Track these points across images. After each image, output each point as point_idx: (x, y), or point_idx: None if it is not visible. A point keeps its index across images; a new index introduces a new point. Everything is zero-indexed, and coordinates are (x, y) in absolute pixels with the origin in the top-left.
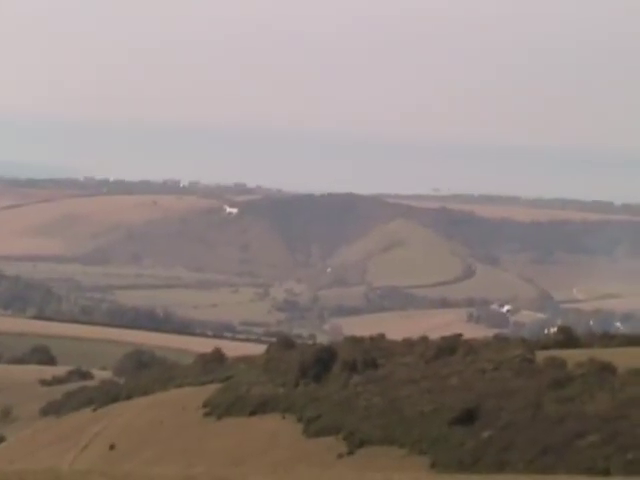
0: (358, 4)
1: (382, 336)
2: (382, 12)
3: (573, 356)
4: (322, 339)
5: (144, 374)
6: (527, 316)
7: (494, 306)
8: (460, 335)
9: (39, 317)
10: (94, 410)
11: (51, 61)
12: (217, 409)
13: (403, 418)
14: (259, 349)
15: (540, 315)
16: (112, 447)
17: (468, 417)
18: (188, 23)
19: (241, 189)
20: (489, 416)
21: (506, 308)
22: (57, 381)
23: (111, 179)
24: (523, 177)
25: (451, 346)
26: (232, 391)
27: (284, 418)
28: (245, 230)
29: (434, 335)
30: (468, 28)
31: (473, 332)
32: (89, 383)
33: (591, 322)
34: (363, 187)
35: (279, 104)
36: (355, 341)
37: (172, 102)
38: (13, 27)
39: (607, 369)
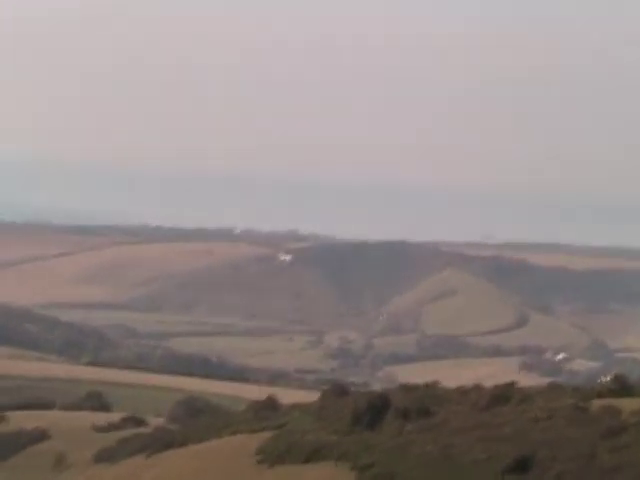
0: None
1: (435, 384)
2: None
3: (628, 405)
4: (376, 387)
5: (198, 421)
6: (581, 364)
7: (547, 355)
8: (513, 383)
9: (93, 363)
10: (147, 457)
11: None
12: (270, 456)
13: (456, 466)
14: (312, 397)
15: (594, 364)
16: None
17: (522, 466)
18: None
19: (294, 236)
20: (543, 465)
21: (560, 356)
22: (111, 427)
23: (165, 226)
24: (576, 225)
25: (504, 394)
26: (285, 438)
27: (337, 466)
28: (299, 277)
29: (487, 383)
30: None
31: (526, 381)
32: (143, 430)
33: None
34: (416, 235)
35: (330, 151)
36: (408, 389)
37: (240, 152)
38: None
39: None
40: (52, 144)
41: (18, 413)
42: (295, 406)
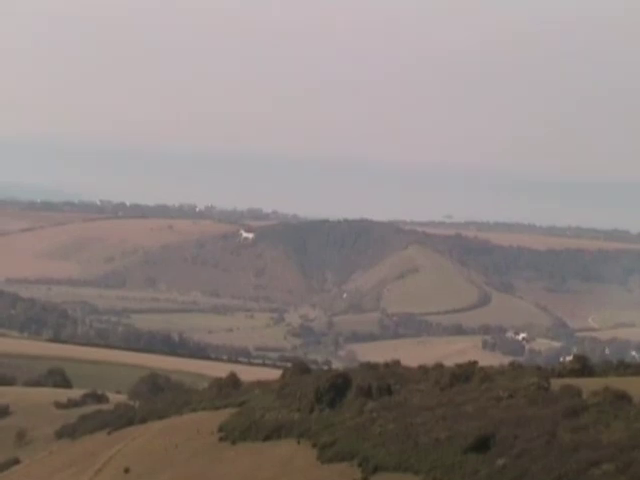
0: None
1: (397, 363)
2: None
3: (588, 385)
4: (337, 365)
5: (159, 398)
6: (542, 344)
7: (509, 334)
8: (475, 362)
9: (55, 340)
10: (109, 433)
11: (69, 82)
12: (232, 434)
13: (418, 445)
14: (274, 374)
15: (555, 343)
16: (127, 471)
17: (483, 445)
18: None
19: (257, 214)
20: (504, 444)
21: (521, 336)
22: (72, 404)
23: (127, 203)
24: (538, 205)
25: (466, 373)
26: (247, 416)
27: (299, 443)
28: (260, 255)
29: (449, 362)
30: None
31: (488, 360)
32: (104, 406)
33: (606, 351)
34: (378, 213)
35: (294, 129)
36: (370, 367)
37: (187, 128)
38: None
39: (622, 398)
40: (17, 119)
41: None
42: (257, 384)
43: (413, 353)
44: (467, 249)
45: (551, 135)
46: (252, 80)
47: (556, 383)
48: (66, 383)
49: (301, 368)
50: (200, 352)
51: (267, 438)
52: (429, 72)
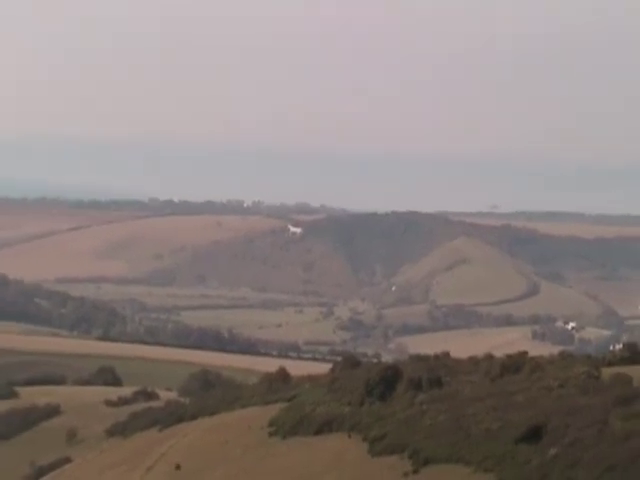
0: None
1: (447, 354)
2: None
3: (639, 372)
4: (387, 358)
5: (209, 394)
6: (592, 333)
7: (559, 323)
8: (525, 353)
9: (105, 338)
10: (160, 430)
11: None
12: (282, 428)
13: (468, 436)
14: (324, 368)
15: (605, 332)
16: (178, 467)
17: (534, 435)
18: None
19: (305, 209)
20: (555, 434)
21: (571, 325)
22: (123, 402)
23: (175, 200)
24: (587, 193)
25: (516, 364)
26: (297, 410)
27: (349, 437)
28: (309, 250)
29: (499, 353)
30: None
31: (538, 349)
32: (155, 404)
33: None
34: (425, 205)
35: (342, 125)
36: (420, 359)
37: (234, 124)
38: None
39: None
40: (64, 121)
41: (30, 389)
42: (307, 378)
43: (463, 344)
44: (515, 239)
45: (597, 123)
46: (298, 75)
47: (606, 372)
48: (116, 381)
49: (351, 362)
50: (250, 348)
51: (317, 432)
52: (476, 60)
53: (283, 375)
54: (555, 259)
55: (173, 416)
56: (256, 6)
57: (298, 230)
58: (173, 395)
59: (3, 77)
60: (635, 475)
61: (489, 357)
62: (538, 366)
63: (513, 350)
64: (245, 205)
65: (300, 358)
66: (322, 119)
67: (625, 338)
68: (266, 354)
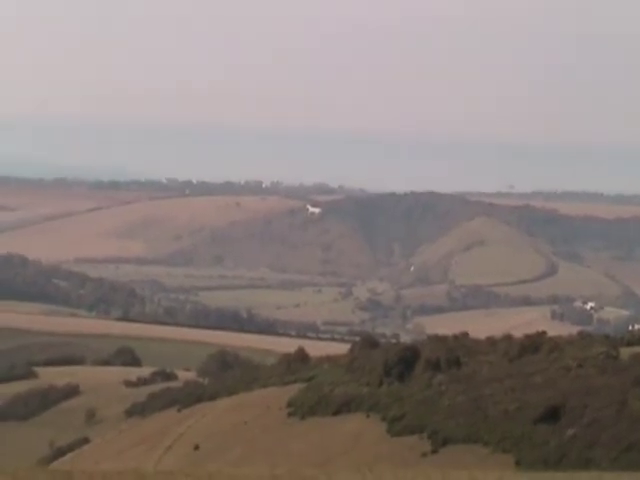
0: None
1: (465, 335)
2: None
3: None
4: (405, 338)
5: (228, 375)
6: (611, 313)
7: (577, 303)
8: (544, 333)
9: (123, 319)
10: (178, 411)
11: (123, 64)
12: (301, 409)
13: (487, 416)
14: (342, 349)
15: (624, 312)
16: (197, 448)
17: (552, 415)
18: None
19: (323, 189)
20: (573, 414)
21: (590, 305)
22: (142, 382)
23: (194, 181)
24: (605, 173)
25: (535, 344)
26: (316, 391)
27: (368, 417)
28: (328, 230)
29: (517, 333)
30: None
31: (557, 330)
32: (173, 384)
33: None
34: (444, 185)
35: (357, 105)
36: (438, 340)
37: (252, 103)
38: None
39: None
40: (76, 102)
41: (49, 369)
42: (325, 359)
43: (481, 325)
44: (534, 219)
45: (614, 100)
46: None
47: (625, 352)
48: (135, 362)
49: (369, 342)
50: (268, 328)
51: (336, 413)
52: (489, 38)
53: (302, 355)
54: (574, 239)
55: (192, 396)
56: None
57: (317, 210)
58: (192, 375)
59: (21, 52)
60: None
61: (507, 337)
62: (556, 346)
63: (531, 330)
64: (264, 186)
65: (319, 338)
66: (341, 99)
67: None
68: (284, 334)
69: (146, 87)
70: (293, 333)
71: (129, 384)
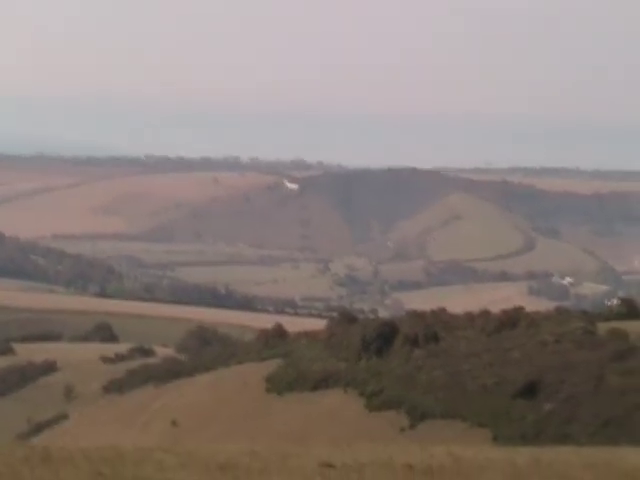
0: None
1: (443, 310)
2: None
3: (635, 328)
4: (383, 314)
5: (206, 351)
6: (589, 288)
7: (555, 279)
8: (521, 308)
9: (101, 295)
10: (156, 387)
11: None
12: (279, 385)
13: (465, 392)
14: (320, 324)
15: (602, 287)
16: (174, 424)
17: (530, 390)
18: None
19: (301, 165)
20: (551, 389)
21: (567, 280)
22: (119, 359)
23: (171, 156)
24: (583, 149)
25: (512, 319)
26: (294, 367)
27: (346, 393)
28: (305, 206)
29: (495, 308)
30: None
31: (534, 305)
32: (151, 360)
33: None
34: (422, 161)
35: (337, 81)
36: (416, 315)
37: (246, 83)
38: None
39: None
40: (55, 77)
41: (27, 345)
42: (303, 334)
43: (459, 300)
44: (512, 195)
45: (597, 80)
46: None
47: (603, 327)
48: (113, 338)
49: (347, 317)
50: (247, 304)
51: (314, 388)
52: (472, 14)
53: (279, 331)
54: (551, 215)
55: (170, 373)
56: None
57: (295, 186)
58: (170, 352)
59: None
60: (631, 430)
61: (485, 313)
62: (534, 321)
63: (509, 306)
64: (242, 161)
65: (296, 314)
66: (318, 75)
67: (621, 294)
68: (263, 310)
69: (130, 64)
70: (271, 309)
71: (107, 360)
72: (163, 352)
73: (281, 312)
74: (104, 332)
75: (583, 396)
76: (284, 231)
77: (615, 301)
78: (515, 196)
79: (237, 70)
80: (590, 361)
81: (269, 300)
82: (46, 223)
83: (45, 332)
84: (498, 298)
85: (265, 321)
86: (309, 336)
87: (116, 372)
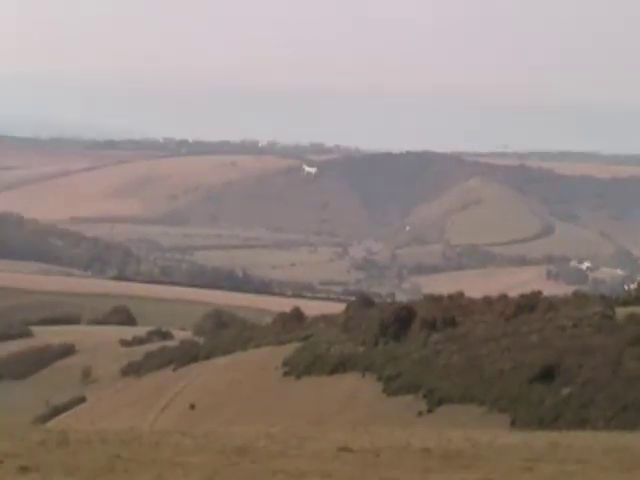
0: None
1: (461, 294)
2: None
3: None
4: (401, 298)
5: (224, 334)
6: (607, 273)
7: (573, 263)
8: (539, 292)
9: (119, 278)
10: (174, 370)
11: (123, 24)
12: (296, 368)
13: (483, 376)
14: (338, 308)
15: (620, 271)
16: (192, 407)
17: (548, 374)
18: None
19: (319, 148)
20: (569, 373)
21: (585, 265)
22: (137, 341)
23: (190, 140)
24: (601, 133)
25: (530, 304)
26: (311, 350)
27: (364, 377)
28: (323, 189)
29: (513, 293)
30: None
31: (552, 289)
32: (169, 343)
33: None
34: (440, 145)
35: (355, 63)
36: (434, 299)
37: (264, 65)
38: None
39: None
40: (73, 60)
41: (44, 328)
42: (321, 318)
43: (477, 284)
44: (530, 179)
45: (613, 59)
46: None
47: (621, 311)
48: (131, 321)
49: (365, 301)
50: (264, 287)
51: (332, 372)
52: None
53: (297, 315)
54: (569, 199)
55: (187, 355)
56: None
57: (313, 170)
58: (187, 335)
59: (15, 13)
60: None
61: (503, 297)
62: (552, 306)
63: (527, 290)
64: (260, 145)
65: (314, 298)
66: (337, 59)
67: (639, 278)
68: (280, 294)
69: (148, 47)
70: (289, 293)
71: (125, 343)
72: (181, 335)
73: (299, 296)
74: (122, 315)
75: (601, 381)
76: (302, 215)
77: (633, 285)
78: (533, 180)
79: (255, 55)
80: (608, 346)
81: (287, 284)
82: (64, 206)
83: (63, 315)
84: (516, 282)
85: (283, 305)
86: (327, 320)
87: (134, 355)
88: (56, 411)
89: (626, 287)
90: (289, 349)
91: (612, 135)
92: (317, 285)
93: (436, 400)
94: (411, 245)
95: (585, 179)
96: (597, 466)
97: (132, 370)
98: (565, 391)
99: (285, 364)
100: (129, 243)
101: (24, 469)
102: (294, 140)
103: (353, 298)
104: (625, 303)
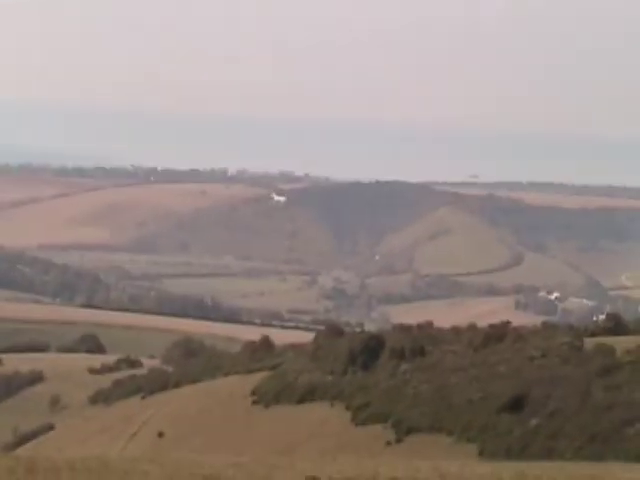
0: None
1: (430, 324)
2: None
3: (622, 343)
4: (370, 327)
5: (192, 362)
6: (575, 303)
7: (542, 293)
8: (508, 322)
9: (88, 306)
10: (143, 398)
11: (93, 51)
12: (265, 397)
13: (451, 406)
14: (307, 337)
15: (588, 302)
16: (161, 435)
17: (516, 405)
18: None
19: (289, 177)
20: (537, 404)
21: (554, 295)
22: (106, 369)
23: (159, 168)
24: (569, 164)
25: (499, 334)
26: (280, 379)
27: (332, 406)
28: (293, 218)
29: (482, 323)
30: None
31: (521, 319)
32: (138, 371)
33: (639, 309)
34: (410, 175)
35: (325, 93)
36: (403, 329)
37: (218, 93)
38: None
39: None
40: (43, 86)
41: (13, 356)
42: (290, 347)
43: (446, 314)
44: (499, 209)
45: (581, 90)
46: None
47: (589, 342)
48: (99, 349)
49: (334, 330)
50: (233, 316)
51: (300, 401)
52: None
53: (266, 343)
54: (538, 229)
55: (156, 384)
56: None
57: (282, 199)
58: (156, 363)
59: None
60: (616, 446)
61: (472, 327)
62: (520, 336)
63: (496, 320)
64: (229, 174)
65: (283, 327)
66: (307, 87)
67: (608, 309)
68: (249, 322)
69: (120, 73)
70: (258, 321)
71: (93, 371)
72: (150, 363)
73: (268, 325)
74: (91, 343)
75: (569, 411)
76: (271, 243)
77: (601, 316)
78: (502, 210)
79: (225, 83)
80: (576, 376)
81: (256, 312)
82: (33, 233)
83: (31, 342)
84: (485, 312)
85: (251, 333)
86: (296, 349)
87: (103, 383)
88: (24, 439)
89: (595, 318)
90: (258, 378)
91: (581, 165)
92: (286, 314)
93: (404, 430)
94: (380, 274)
95: (554, 209)
96: None
97: (101, 398)
98: (533, 421)
99: (254, 393)
100: (98, 271)
101: None
102: (263, 169)
103: (322, 327)
104: (593, 334)
